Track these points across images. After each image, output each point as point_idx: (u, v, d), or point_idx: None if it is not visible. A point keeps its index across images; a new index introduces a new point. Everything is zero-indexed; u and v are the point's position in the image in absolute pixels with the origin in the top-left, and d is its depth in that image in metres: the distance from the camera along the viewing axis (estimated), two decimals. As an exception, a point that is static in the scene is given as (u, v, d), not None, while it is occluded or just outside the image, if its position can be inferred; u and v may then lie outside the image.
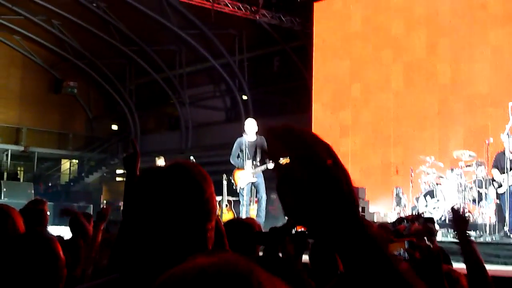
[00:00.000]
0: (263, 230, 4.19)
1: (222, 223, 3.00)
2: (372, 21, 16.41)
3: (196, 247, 1.66)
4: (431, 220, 8.31)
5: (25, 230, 3.01)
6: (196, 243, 1.67)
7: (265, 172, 12.54)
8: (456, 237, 2.87)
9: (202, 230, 1.68)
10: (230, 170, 12.86)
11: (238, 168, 12.50)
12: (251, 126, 12.48)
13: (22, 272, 2.29)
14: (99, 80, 32.34)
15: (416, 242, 2.15)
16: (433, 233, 7.30)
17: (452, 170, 12.00)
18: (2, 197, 18.70)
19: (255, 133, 12.47)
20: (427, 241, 4.37)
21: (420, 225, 6.55)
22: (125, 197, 2.98)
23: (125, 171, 2.88)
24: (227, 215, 13.78)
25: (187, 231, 1.66)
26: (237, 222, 4.01)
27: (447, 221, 11.25)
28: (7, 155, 30.30)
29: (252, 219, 4.61)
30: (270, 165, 12.18)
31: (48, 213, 5.46)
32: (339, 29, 17.15)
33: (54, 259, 2.28)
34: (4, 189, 19.16)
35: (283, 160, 1.01)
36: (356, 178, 14.89)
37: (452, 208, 3.37)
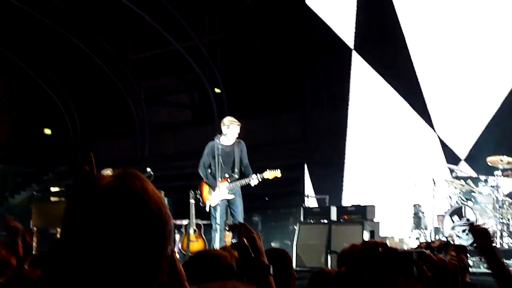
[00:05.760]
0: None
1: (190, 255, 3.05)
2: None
3: (143, 276, 1.73)
4: (462, 248, 8.30)
5: None
6: (143, 272, 1.73)
7: (244, 189, 12.45)
8: (482, 257, 2.92)
9: (154, 258, 1.74)
10: (198, 185, 12.81)
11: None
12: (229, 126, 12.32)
13: None
14: (26, 70, 32.16)
15: (427, 254, 2.17)
16: (466, 267, 7.29)
17: (486, 181, 12.05)
18: None
19: (234, 136, 12.28)
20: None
21: (448, 257, 6.50)
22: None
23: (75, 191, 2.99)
24: (195, 244, 13.73)
25: (133, 259, 1.71)
26: (205, 254, 4.05)
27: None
28: None
29: (227, 248, 4.61)
30: (254, 180, 12.10)
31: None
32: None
33: None
34: None
35: None
36: (363, 192, 14.98)
37: (470, 224, 3.43)
